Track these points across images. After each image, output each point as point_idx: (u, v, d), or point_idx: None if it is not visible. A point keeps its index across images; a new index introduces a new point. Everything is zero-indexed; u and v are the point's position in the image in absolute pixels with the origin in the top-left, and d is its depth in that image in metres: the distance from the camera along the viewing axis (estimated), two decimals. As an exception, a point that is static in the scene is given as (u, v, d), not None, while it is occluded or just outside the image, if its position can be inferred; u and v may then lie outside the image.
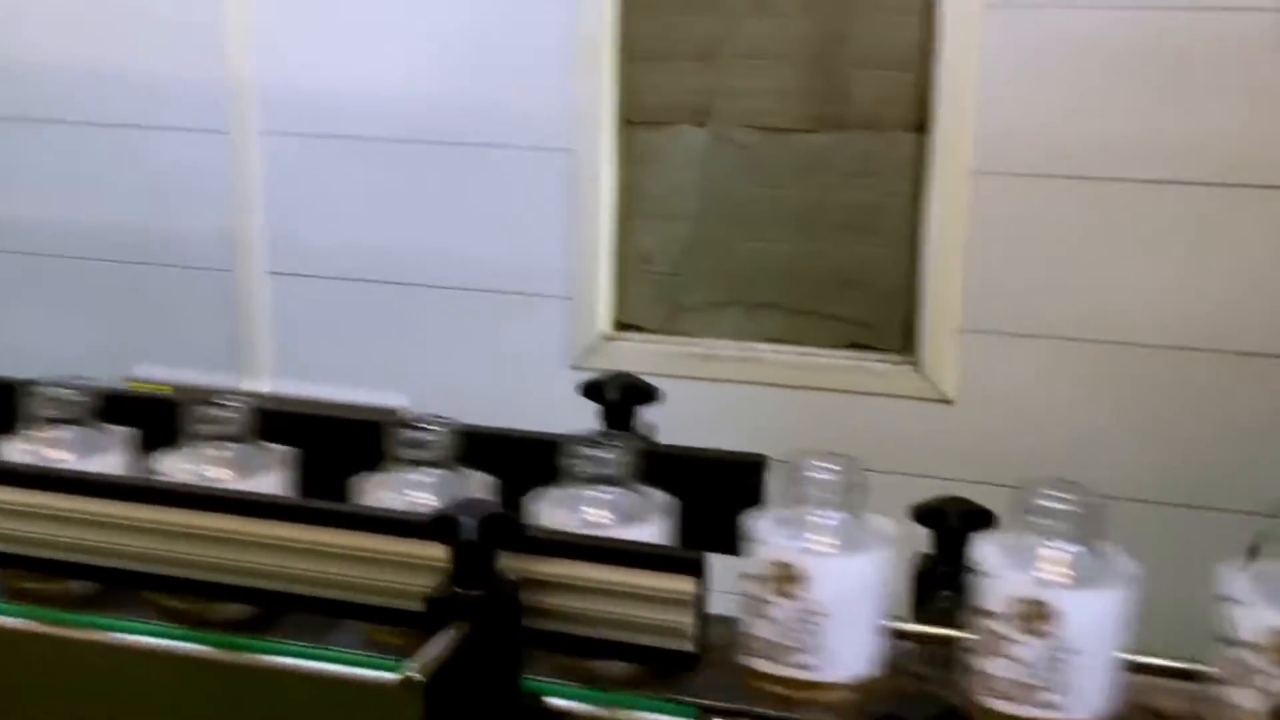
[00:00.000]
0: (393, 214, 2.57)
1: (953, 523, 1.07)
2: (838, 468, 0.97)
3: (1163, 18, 2.12)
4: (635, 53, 2.43)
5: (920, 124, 2.28)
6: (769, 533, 0.96)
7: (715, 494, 1.06)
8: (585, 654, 0.94)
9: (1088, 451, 2.22)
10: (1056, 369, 2.26)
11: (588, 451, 0.98)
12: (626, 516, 0.99)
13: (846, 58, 2.34)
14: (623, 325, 2.51)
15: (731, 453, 1.10)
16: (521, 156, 2.47)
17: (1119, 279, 2.22)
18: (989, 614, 0.90)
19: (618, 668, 0.97)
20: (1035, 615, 0.87)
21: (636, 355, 2.39)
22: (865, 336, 2.38)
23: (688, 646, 0.89)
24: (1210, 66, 2.12)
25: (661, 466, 1.05)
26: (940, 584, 1.07)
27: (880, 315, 2.37)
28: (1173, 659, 0.95)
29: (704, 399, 2.36)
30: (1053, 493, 0.91)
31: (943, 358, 2.30)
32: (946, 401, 2.30)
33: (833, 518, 0.95)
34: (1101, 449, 2.21)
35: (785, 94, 2.37)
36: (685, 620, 0.89)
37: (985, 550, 0.93)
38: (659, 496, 1.02)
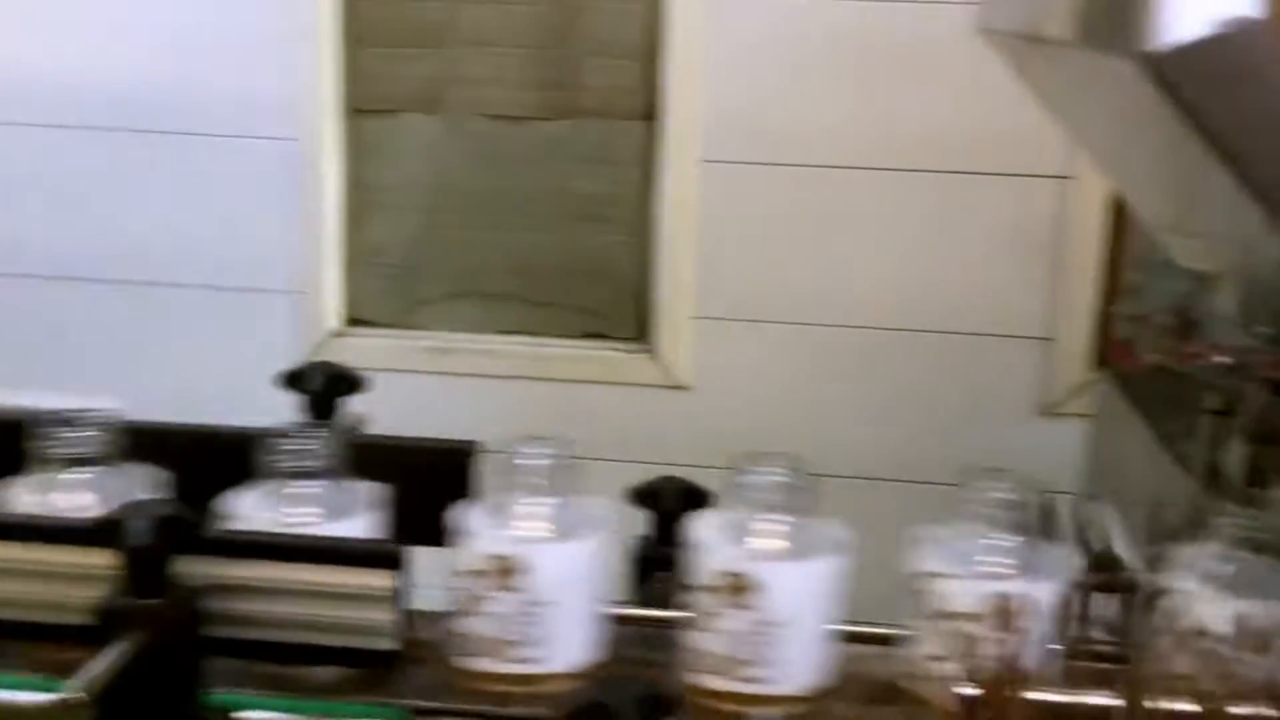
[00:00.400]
0: (105, 208, 2.41)
1: (668, 504, 1.06)
2: (549, 451, 0.94)
3: (878, 8, 2.18)
4: (360, 38, 2.35)
5: (650, 112, 2.29)
6: (482, 524, 0.92)
7: (422, 484, 1.01)
8: (277, 660, 0.88)
9: (821, 432, 2.27)
10: (788, 353, 2.30)
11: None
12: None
13: (577, 45, 2.32)
14: (355, 320, 2.43)
15: (440, 440, 1.05)
16: (242, 146, 2.36)
17: (844, 264, 2.27)
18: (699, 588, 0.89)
19: (318, 673, 0.91)
20: (740, 588, 0.87)
21: (369, 351, 2.32)
22: (602, 325, 2.38)
23: (388, 645, 0.85)
24: (923, 57, 2.19)
25: (365, 456, 1.00)
26: (658, 565, 1.05)
27: (616, 304, 2.37)
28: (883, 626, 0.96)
29: (440, 393, 2.30)
30: (765, 469, 0.91)
31: (678, 345, 2.31)
32: (683, 388, 2.32)
33: (547, 503, 0.92)
34: (833, 429, 2.27)
35: (516, 82, 2.34)
36: (383, 617, 0.84)
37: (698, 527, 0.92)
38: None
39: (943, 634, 0.85)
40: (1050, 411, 2.22)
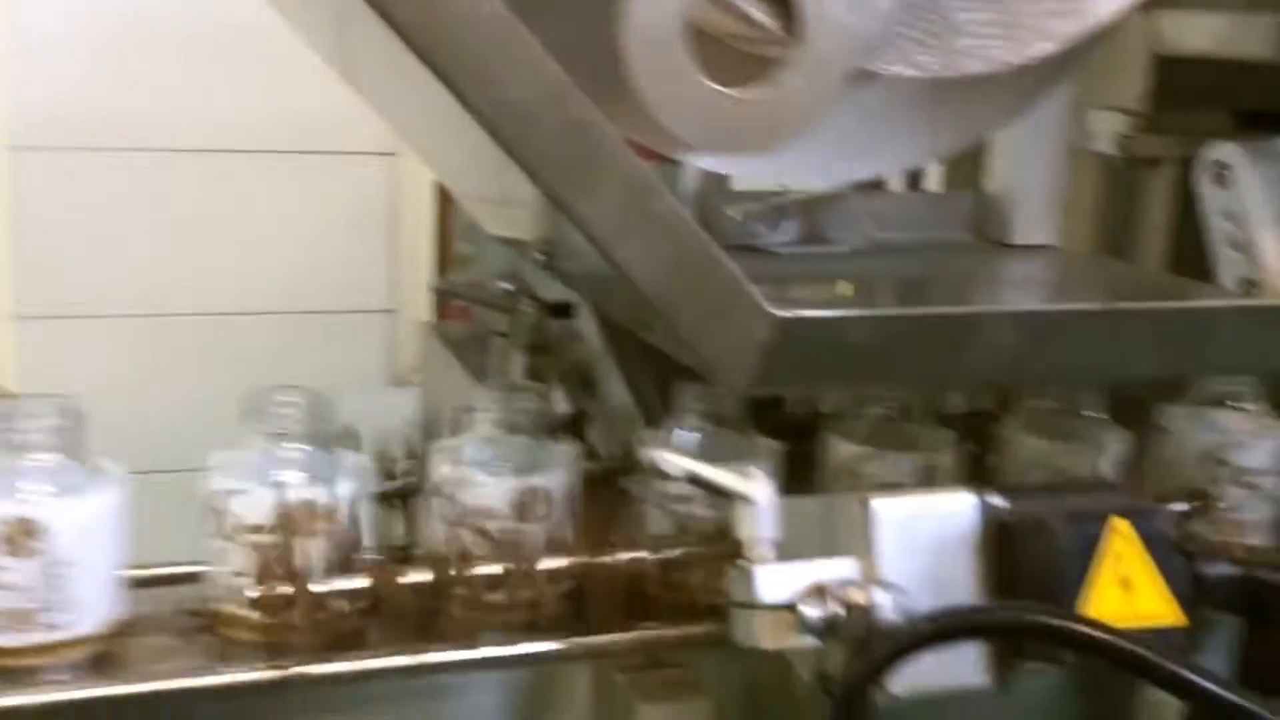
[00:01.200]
0: None
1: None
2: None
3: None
4: None
5: (-60, 98, 2.08)
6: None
7: None
8: None
9: (171, 427, 2.17)
10: (126, 348, 2.19)
11: None
12: None
13: None
14: None
15: None
16: None
17: (179, 250, 2.20)
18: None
19: None
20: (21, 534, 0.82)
21: None
22: (-97, 336, 2.13)
23: None
24: (245, 36, 2.15)
25: None
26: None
27: (-81, 310, 2.13)
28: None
29: None
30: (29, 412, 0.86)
31: (-2, 349, 2.12)
32: (8, 395, 2.13)
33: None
34: (182, 422, 2.18)
35: None
36: None
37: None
38: None
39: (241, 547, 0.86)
40: (398, 380, 2.28)
